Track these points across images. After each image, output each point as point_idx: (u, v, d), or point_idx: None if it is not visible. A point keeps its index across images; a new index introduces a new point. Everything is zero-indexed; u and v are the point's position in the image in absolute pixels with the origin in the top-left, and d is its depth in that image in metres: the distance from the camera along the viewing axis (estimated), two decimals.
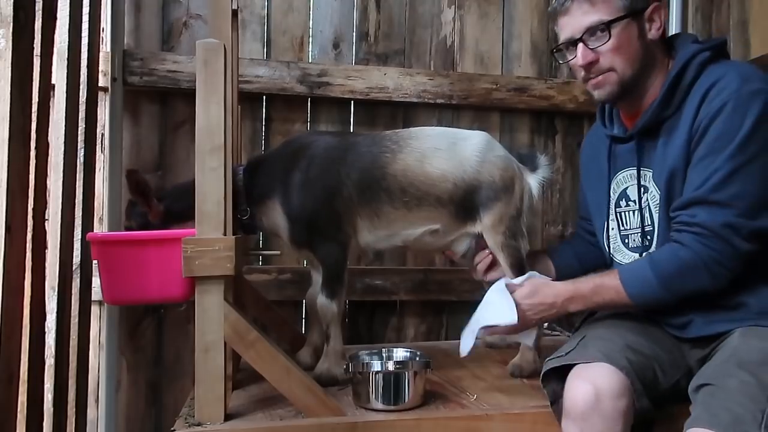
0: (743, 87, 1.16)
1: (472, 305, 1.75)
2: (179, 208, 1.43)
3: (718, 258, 1.17)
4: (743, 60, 2.16)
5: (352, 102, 2.12)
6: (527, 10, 2.27)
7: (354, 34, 2.15)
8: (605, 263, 1.55)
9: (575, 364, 1.19)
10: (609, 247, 1.45)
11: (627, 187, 1.40)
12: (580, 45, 1.30)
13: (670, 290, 1.20)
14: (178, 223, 1.43)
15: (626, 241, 1.41)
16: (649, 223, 1.34)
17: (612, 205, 1.44)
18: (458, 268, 2.14)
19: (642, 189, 1.35)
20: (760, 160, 1.16)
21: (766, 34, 2.11)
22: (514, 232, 1.55)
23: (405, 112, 2.17)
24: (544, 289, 1.29)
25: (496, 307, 1.26)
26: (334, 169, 1.50)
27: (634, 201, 1.37)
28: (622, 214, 1.42)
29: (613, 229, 1.44)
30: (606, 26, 1.27)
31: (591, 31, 1.28)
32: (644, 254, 1.33)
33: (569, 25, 1.32)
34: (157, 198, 1.46)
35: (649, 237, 1.35)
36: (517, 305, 1.25)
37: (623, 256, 1.42)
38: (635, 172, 1.36)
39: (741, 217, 1.16)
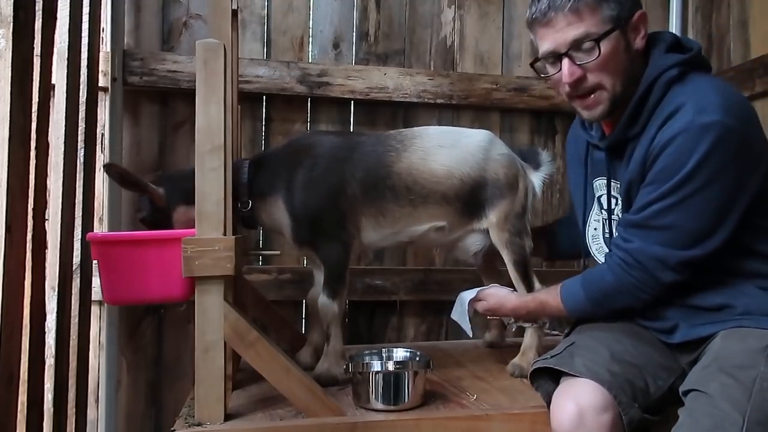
0: (696, 120, 1.13)
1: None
2: (181, 188, 1.43)
3: (640, 286, 1.23)
4: (743, 60, 2.16)
5: (352, 102, 2.12)
6: (527, 9, 2.26)
7: (354, 34, 2.14)
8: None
9: (564, 373, 1.19)
10: (590, 246, 1.45)
11: (601, 195, 1.40)
12: (566, 60, 1.21)
13: (600, 307, 1.30)
14: (184, 204, 1.43)
15: (609, 243, 1.39)
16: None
17: (594, 208, 1.43)
18: (458, 268, 2.14)
19: (613, 200, 1.35)
20: (701, 194, 1.15)
21: (766, 34, 2.10)
22: (519, 229, 1.57)
23: (405, 112, 2.17)
24: (503, 304, 1.48)
25: (462, 319, 1.54)
26: (339, 169, 1.50)
27: (606, 210, 1.38)
28: (599, 221, 1.43)
29: (596, 229, 1.44)
30: (595, 41, 1.18)
31: (577, 45, 1.20)
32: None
33: (551, 38, 1.23)
34: (156, 184, 1.46)
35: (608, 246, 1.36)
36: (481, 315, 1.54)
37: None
38: (606, 182, 1.36)
39: (672, 248, 1.18)
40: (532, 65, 1.32)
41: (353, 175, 1.50)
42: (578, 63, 1.21)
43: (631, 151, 1.26)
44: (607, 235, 1.39)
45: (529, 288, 1.57)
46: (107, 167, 1.42)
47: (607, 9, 1.19)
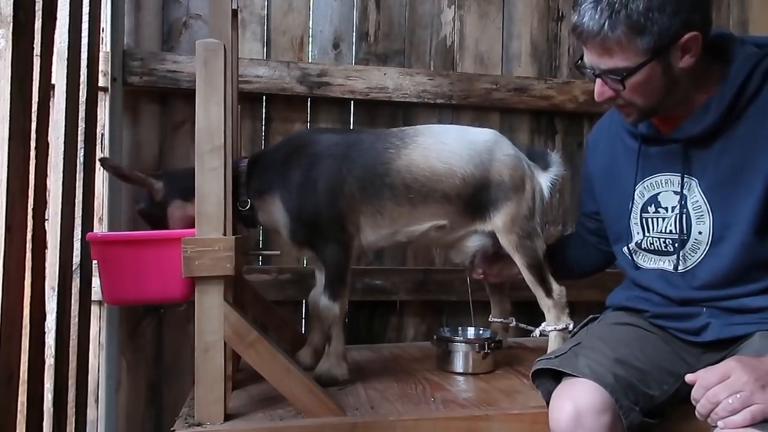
0: None
1: (472, 305, 1.73)
2: (180, 185, 1.43)
3: None
4: None
5: (352, 102, 2.12)
6: (527, 10, 2.27)
7: (354, 34, 2.14)
8: (603, 266, 1.54)
9: (566, 373, 1.18)
10: (630, 254, 1.38)
11: (659, 193, 1.30)
12: (598, 80, 1.20)
13: None
14: (182, 199, 1.44)
15: (653, 246, 1.33)
16: (685, 232, 1.26)
17: (638, 211, 1.34)
18: (458, 268, 2.14)
19: (682, 197, 1.26)
20: None
21: (766, 34, 2.11)
22: (528, 232, 1.52)
23: (405, 112, 2.17)
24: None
25: None
26: (336, 167, 1.47)
27: (666, 208, 1.29)
28: (649, 220, 1.33)
29: (638, 233, 1.35)
30: (624, 75, 1.14)
31: (607, 73, 1.17)
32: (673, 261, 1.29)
33: (586, 55, 1.19)
34: (155, 177, 1.47)
35: (677, 245, 1.27)
36: None
37: (647, 260, 1.35)
38: (675, 178, 1.27)
39: None
40: (576, 64, 1.25)
41: (350, 173, 1.47)
42: (609, 85, 1.19)
43: (723, 144, 1.20)
44: (667, 232, 1.30)
45: (548, 292, 1.53)
46: (102, 162, 1.44)
47: (642, 42, 1.11)
